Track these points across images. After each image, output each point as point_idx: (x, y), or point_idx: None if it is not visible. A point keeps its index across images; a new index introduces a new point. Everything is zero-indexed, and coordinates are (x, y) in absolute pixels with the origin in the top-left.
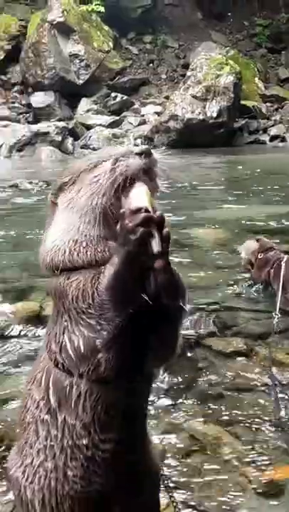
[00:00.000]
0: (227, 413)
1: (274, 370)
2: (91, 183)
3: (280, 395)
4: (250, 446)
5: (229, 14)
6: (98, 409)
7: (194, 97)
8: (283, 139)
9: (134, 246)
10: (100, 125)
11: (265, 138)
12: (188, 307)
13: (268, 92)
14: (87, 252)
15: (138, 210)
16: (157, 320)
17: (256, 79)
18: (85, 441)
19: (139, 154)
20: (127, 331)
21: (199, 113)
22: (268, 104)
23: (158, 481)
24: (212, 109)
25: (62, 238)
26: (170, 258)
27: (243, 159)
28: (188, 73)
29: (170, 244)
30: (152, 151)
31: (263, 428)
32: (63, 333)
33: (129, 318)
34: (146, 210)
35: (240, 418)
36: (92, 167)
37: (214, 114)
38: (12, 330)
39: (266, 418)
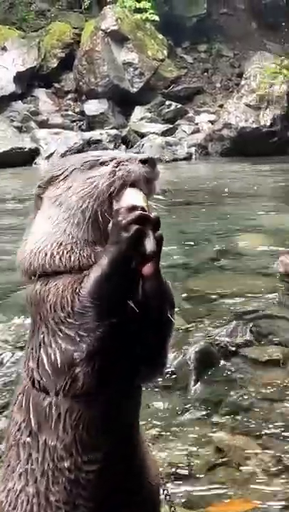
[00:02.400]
0: (256, 424)
1: None
2: (84, 183)
3: None
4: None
5: (283, 24)
6: (79, 428)
7: (248, 105)
8: None
9: (127, 244)
10: (154, 133)
11: None
12: (175, 319)
13: None
14: (70, 256)
15: (134, 208)
16: (142, 331)
17: None
18: (67, 464)
19: (143, 162)
20: (108, 344)
21: (253, 121)
22: None
23: (157, 497)
24: (266, 117)
25: (44, 239)
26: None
27: None
28: (242, 82)
29: (161, 249)
30: (157, 163)
31: None
32: (40, 347)
33: (112, 329)
34: (143, 209)
35: (270, 429)
36: (87, 167)
37: (268, 123)
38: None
39: None
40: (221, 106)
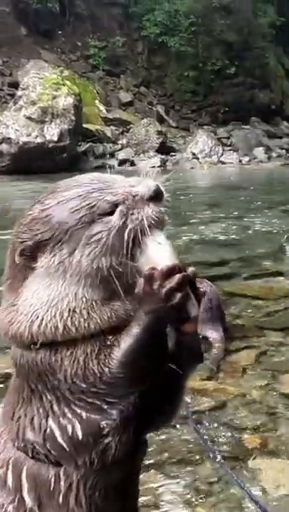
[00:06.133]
0: None
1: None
2: (89, 242)
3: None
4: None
5: (60, 32)
6: (95, 496)
7: (29, 118)
8: (132, 163)
9: (171, 314)
10: None
11: (114, 162)
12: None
13: (111, 116)
14: (89, 324)
15: (171, 271)
16: (170, 383)
17: (96, 101)
18: None
19: (153, 199)
20: (143, 406)
21: (37, 136)
22: (113, 127)
23: None
24: (52, 132)
25: (48, 307)
26: None
27: None
28: (19, 93)
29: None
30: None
31: None
32: (46, 418)
33: (146, 392)
34: (179, 269)
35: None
36: (86, 222)
37: (55, 138)
38: None
39: None
40: None
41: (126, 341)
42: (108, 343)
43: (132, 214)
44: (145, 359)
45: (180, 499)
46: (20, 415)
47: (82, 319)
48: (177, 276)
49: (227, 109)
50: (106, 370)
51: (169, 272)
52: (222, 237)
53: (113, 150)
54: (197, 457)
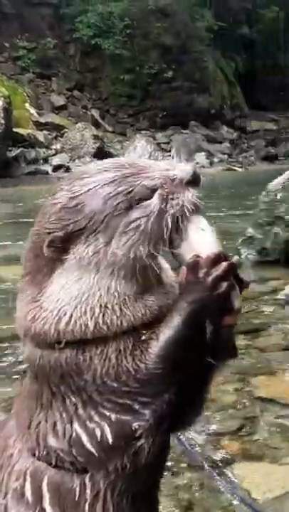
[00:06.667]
0: None
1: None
2: (127, 230)
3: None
4: None
5: None
6: (123, 504)
7: None
8: (68, 169)
9: (217, 305)
10: None
11: (47, 168)
12: None
13: (43, 119)
14: (122, 321)
15: (217, 259)
16: (202, 375)
17: (27, 105)
18: None
19: (192, 183)
20: (177, 404)
21: None
22: (45, 132)
23: None
24: None
25: (76, 302)
26: None
27: (22, 192)
28: None
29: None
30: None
31: None
32: (71, 423)
33: (181, 389)
34: (225, 257)
35: None
36: (123, 208)
37: None
38: None
39: None
40: None
41: (165, 333)
42: (143, 338)
43: (172, 199)
44: (185, 352)
45: (162, 510)
46: (40, 421)
47: (114, 316)
48: (224, 264)
49: (165, 113)
50: (142, 366)
51: (216, 260)
52: None
53: (47, 155)
54: (177, 465)
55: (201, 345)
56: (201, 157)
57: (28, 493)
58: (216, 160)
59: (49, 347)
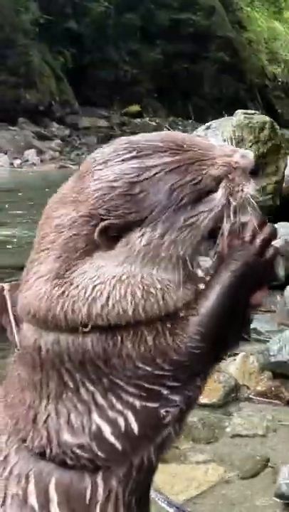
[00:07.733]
0: None
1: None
2: (186, 225)
3: None
4: None
5: None
6: (133, 503)
7: None
8: None
9: (262, 270)
10: None
11: None
12: None
13: None
14: (162, 309)
15: (264, 223)
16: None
17: None
18: None
19: (254, 173)
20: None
21: None
22: None
23: None
24: None
25: (115, 281)
26: None
27: None
28: None
29: None
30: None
31: None
32: (89, 414)
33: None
34: (267, 222)
35: None
36: (190, 202)
37: None
38: None
39: None
40: None
41: (206, 307)
42: (181, 314)
43: (237, 191)
44: (226, 328)
45: None
46: (49, 415)
47: (155, 303)
48: (269, 227)
49: None
50: (182, 346)
51: (261, 223)
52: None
53: None
54: None
55: (243, 319)
56: (31, 154)
57: (33, 498)
58: (47, 157)
59: (71, 330)
